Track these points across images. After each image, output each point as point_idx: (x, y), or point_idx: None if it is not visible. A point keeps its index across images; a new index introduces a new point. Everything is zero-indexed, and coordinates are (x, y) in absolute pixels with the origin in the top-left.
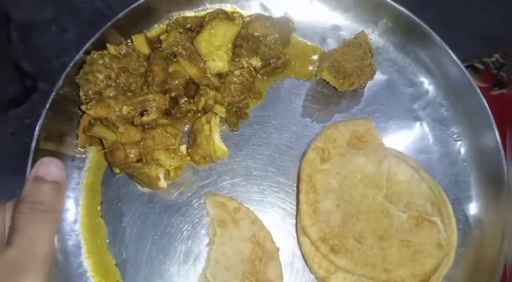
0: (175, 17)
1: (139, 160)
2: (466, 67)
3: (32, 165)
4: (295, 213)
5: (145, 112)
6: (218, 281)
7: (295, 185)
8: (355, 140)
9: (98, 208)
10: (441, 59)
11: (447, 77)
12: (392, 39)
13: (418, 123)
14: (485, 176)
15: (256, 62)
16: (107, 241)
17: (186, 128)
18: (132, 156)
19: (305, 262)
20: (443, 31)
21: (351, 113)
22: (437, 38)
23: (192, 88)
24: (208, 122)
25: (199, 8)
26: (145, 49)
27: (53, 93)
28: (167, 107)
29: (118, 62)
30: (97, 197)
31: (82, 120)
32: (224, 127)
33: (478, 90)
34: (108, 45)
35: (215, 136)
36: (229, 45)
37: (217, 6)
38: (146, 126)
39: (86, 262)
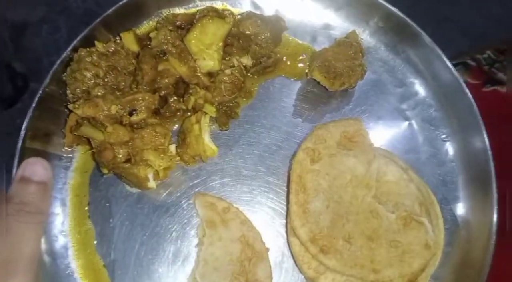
0: (165, 14)
1: (127, 160)
2: (458, 64)
3: (19, 165)
4: (284, 213)
5: (134, 112)
6: None
7: (285, 185)
8: (345, 141)
9: (86, 208)
10: (431, 60)
11: (437, 78)
12: (383, 39)
13: (407, 123)
14: (473, 177)
15: (247, 61)
16: (95, 241)
17: (175, 128)
18: (120, 156)
19: (295, 262)
20: (433, 29)
21: (341, 113)
22: (427, 38)
23: (182, 87)
24: (198, 121)
25: (190, 5)
26: (134, 47)
27: (40, 92)
28: (156, 107)
29: (106, 60)
30: (85, 197)
31: (69, 120)
32: (214, 126)
33: (468, 91)
34: (96, 42)
35: (205, 136)
36: (220, 44)
37: (207, 3)
38: (135, 126)
39: (74, 263)
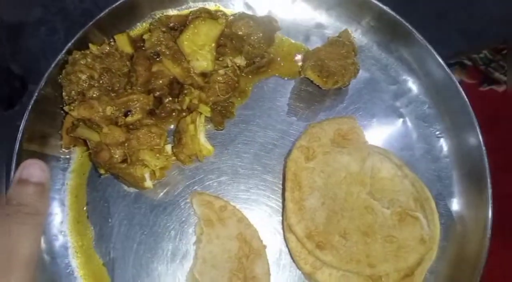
0: (158, 16)
1: (124, 161)
2: (454, 64)
3: (17, 166)
4: (281, 210)
5: (129, 113)
6: (206, 279)
7: (280, 183)
8: (339, 138)
9: (84, 208)
10: (424, 58)
11: (430, 76)
12: (375, 38)
13: (401, 120)
14: (467, 172)
15: (240, 61)
16: (94, 241)
17: (171, 128)
18: (117, 156)
19: (292, 258)
20: (429, 28)
21: (335, 111)
22: (419, 37)
23: (176, 87)
24: (193, 122)
25: (183, 7)
26: (128, 49)
27: (36, 94)
28: (151, 108)
29: (100, 62)
30: (83, 197)
31: (66, 121)
32: (209, 126)
33: (461, 88)
34: (90, 45)
35: (200, 135)
36: (213, 44)
37: (200, 4)
38: (131, 126)
39: (74, 262)
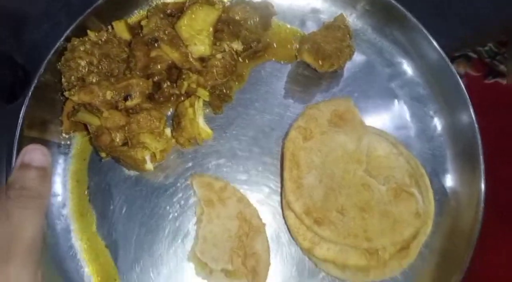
0: (155, 3)
1: (124, 144)
2: (459, 56)
3: (17, 153)
4: (279, 190)
5: (128, 97)
6: (207, 258)
7: (279, 164)
8: (335, 119)
9: (86, 192)
10: (418, 40)
11: (424, 57)
12: (370, 22)
13: (396, 101)
14: (461, 150)
15: (237, 46)
16: (96, 224)
17: (170, 113)
18: (117, 140)
19: (291, 235)
20: (433, 19)
21: (331, 94)
22: (413, 20)
23: (175, 72)
24: (192, 105)
25: None
26: (126, 35)
27: (35, 81)
28: (150, 92)
29: (99, 48)
30: (84, 181)
31: (66, 107)
32: (207, 110)
33: (454, 69)
34: (88, 31)
35: (199, 119)
36: (210, 29)
37: None
38: (130, 110)
39: (77, 245)
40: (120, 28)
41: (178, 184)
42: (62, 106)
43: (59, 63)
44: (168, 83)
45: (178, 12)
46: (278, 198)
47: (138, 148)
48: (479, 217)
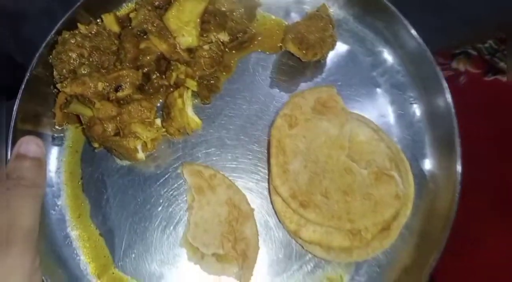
0: None
1: (117, 134)
2: (459, 53)
3: (12, 145)
4: (267, 177)
5: (119, 88)
6: (199, 243)
7: (266, 152)
8: (319, 106)
9: (79, 183)
10: (398, 30)
11: (403, 46)
12: (352, 12)
13: (377, 89)
14: (439, 135)
15: (224, 37)
16: (90, 213)
17: (159, 104)
18: (109, 130)
19: (278, 219)
20: (432, 16)
21: (315, 83)
22: (394, 9)
23: (163, 64)
24: (181, 96)
25: None
26: (115, 28)
27: (27, 75)
28: (141, 83)
29: (90, 41)
30: (77, 173)
31: (58, 99)
32: (196, 101)
33: (432, 57)
34: (79, 24)
35: (188, 109)
36: (197, 21)
37: None
38: (121, 101)
39: (72, 234)
40: (110, 21)
41: (169, 173)
42: (54, 99)
43: (51, 56)
44: (157, 74)
45: (165, 4)
46: (265, 184)
47: (130, 138)
48: (456, 199)
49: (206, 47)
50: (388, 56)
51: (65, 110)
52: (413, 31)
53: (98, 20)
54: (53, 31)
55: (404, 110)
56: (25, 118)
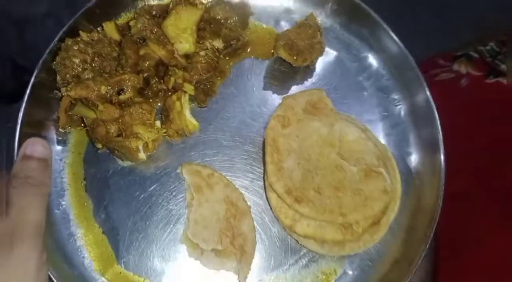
0: (140, 5)
1: (119, 135)
2: (461, 56)
3: (18, 147)
4: (262, 176)
5: (121, 91)
6: (198, 239)
7: (261, 152)
8: (310, 107)
9: (82, 183)
10: (381, 36)
11: (387, 51)
12: (338, 20)
13: (363, 92)
14: (422, 134)
15: (218, 44)
16: (93, 212)
17: (158, 108)
18: (112, 131)
19: (274, 215)
20: (434, 18)
21: (305, 87)
22: (377, 17)
23: (162, 69)
24: (179, 99)
25: None
26: (115, 35)
27: (32, 80)
28: (141, 86)
29: (92, 47)
30: (80, 173)
31: (62, 102)
32: (193, 104)
33: (413, 60)
34: (81, 32)
35: (186, 112)
36: (194, 28)
37: None
38: (123, 104)
39: (76, 232)
40: (110, 29)
41: (169, 173)
42: (57, 104)
43: (54, 62)
44: (156, 79)
45: (162, 13)
46: (261, 183)
47: (131, 138)
48: (440, 194)
49: (202, 53)
50: (373, 61)
51: (70, 113)
52: (394, 36)
53: (98, 29)
54: (56, 38)
55: (389, 111)
56: (30, 122)
